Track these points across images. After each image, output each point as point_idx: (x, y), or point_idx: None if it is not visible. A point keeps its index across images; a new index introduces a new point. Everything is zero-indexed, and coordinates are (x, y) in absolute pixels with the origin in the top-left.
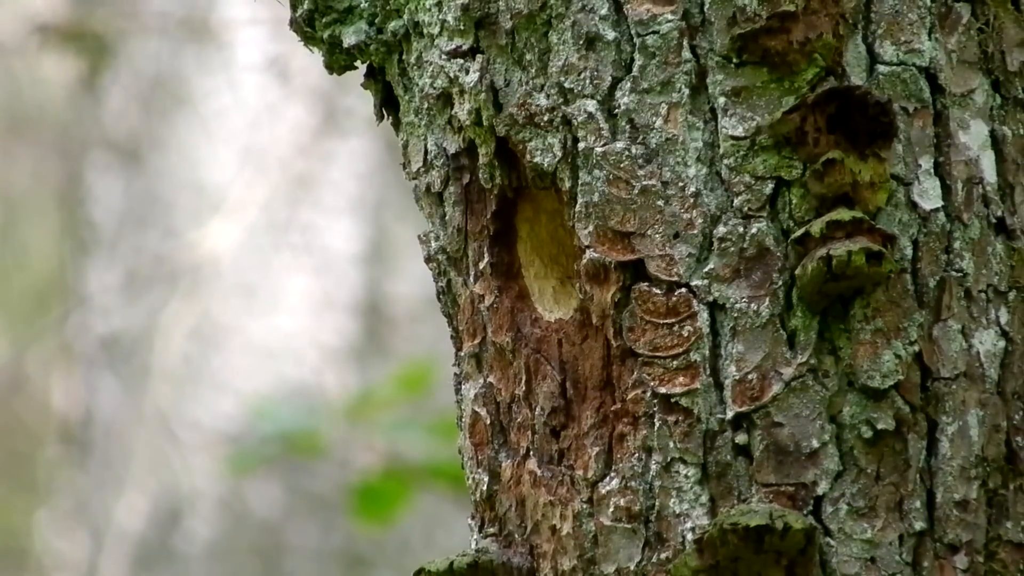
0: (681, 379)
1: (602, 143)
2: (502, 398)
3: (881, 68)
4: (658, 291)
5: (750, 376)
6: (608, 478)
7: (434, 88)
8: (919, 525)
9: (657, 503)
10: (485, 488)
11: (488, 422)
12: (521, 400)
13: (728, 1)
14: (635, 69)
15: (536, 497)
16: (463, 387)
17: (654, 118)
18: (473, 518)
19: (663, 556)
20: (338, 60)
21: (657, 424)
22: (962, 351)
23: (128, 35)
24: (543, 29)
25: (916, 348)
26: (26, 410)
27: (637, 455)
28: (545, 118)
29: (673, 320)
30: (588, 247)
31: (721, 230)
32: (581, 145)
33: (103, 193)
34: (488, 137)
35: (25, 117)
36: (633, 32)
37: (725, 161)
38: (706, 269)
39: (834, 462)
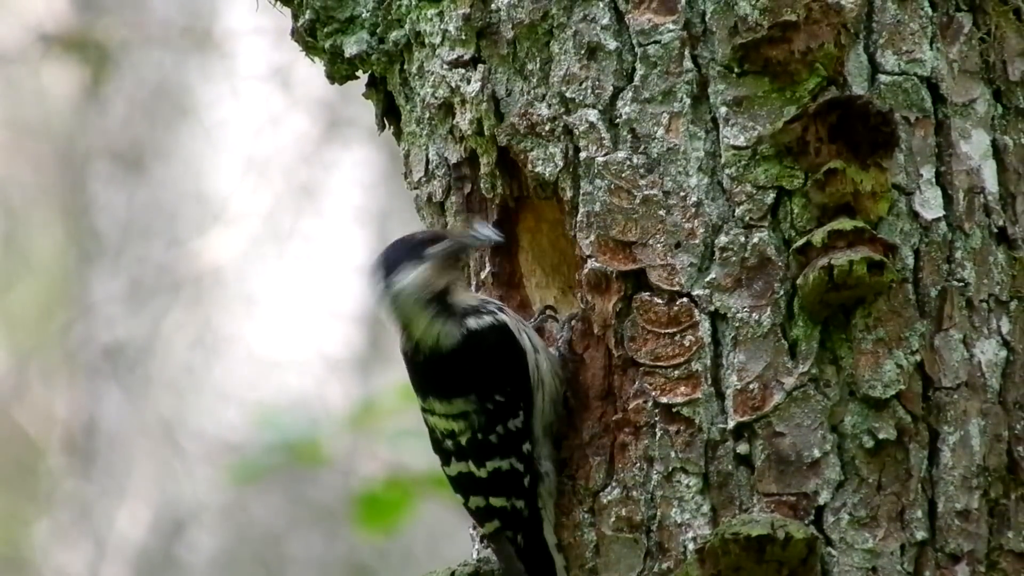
0: (682, 388)
1: (604, 152)
2: None
3: (883, 78)
4: (660, 300)
5: (751, 385)
6: (609, 488)
7: (436, 98)
8: (921, 535)
9: (658, 513)
10: None
11: None
12: None
13: (730, 11)
14: (636, 79)
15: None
16: None
17: (655, 128)
18: (475, 528)
19: (664, 566)
20: (340, 70)
21: (658, 434)
22: (963, 361)
23: (131, 45)
24: (545, 39)
25: (918, 358)
26: (29, 419)
27: (639, 465)
28: (547, 128)
29: (675, 330)
30: (589, 256)
31: (723, 240)
32: (583, 155)
33: (106, 202)
34: (490, 146)
35: (28, 127)
36: (635, 41)
37: (727, 171)
38: (708, 279)
39: (835, 472)
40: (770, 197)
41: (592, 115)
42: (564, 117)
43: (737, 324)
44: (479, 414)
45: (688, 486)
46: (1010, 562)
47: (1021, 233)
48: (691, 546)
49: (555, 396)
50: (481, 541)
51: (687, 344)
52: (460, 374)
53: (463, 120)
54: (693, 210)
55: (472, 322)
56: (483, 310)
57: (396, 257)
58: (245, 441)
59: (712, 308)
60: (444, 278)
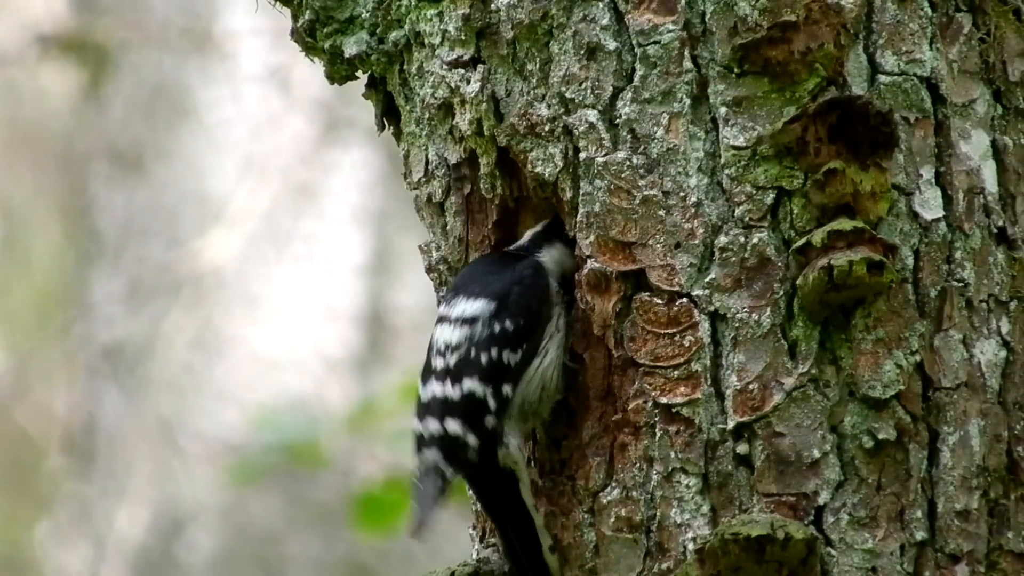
0: (682, 389)
1: (603, 153)
2: None
3: (882, 78)
4: (659, 301)
5: (751, 386)
6: (609, 488)
7: (435, 98)
8: (920, 535)
9: (658, 513)
10: None
11: None
12: None
13: (729, 11)
14: (636, 79)
15: (537, 507)
16: None
17: (655, 128)
18: (475, 528)
19: (664, 566)
20: (339, 70)
21: (658, 434)
22: (963, 361)
23: (130, 45)
24: (544, 39)
25: (917, 358)
26: (29, 419)
27: (638, 465)
28: (546, 128)
29: (674, 330)
30: (589, 256)
31: (722, 240)
32: (582, 155)
33: (106, 203)
34: (489, 147)
35: (28, 127)
36: (634, 42)
37: (726, 171)
38: (707, 279)
39: (835, 472)
40: (770, 197)
41: (592, 115)
42: (564, 117)
43: (737, 324)
44: (486, 326)
45: (688, 486)
46: (1010, 562)
47: (1021, 233)
48: (691, 546)
49: (547, 382)
50: (481, 541)
51: (687, 344)
52: (499, 277)
53: (463, 120)
54: (693, 210)
55: (542, 257)
56: (550, 269)
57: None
58: (244, 442)
59: (712, 308)
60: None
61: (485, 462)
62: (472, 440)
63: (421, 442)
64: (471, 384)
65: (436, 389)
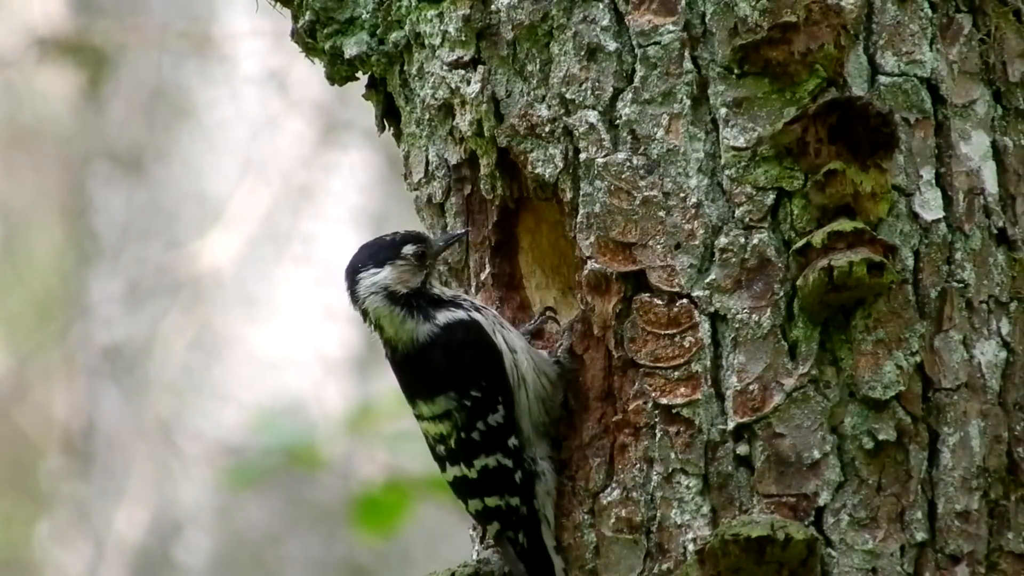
0: (682, 390)
1: (603, 154)
2: None
3: (882, 79)
4: (659, 302)
5: (751, 387)
6: (609, 489)
7: (435, 99)
8: (920, 536)
9: (658, 514)
10: None
11: None
12: None
13: (729, 12)
14: (636, 80)
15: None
16: None
17: (655, 129)
18: (475, 529)
19: (664, 567)
20: (339, 71)
21: (658, 435)
22: (963, 362)
23: (129, 47)
24: (544, 40)
25: (917, 359)
26: (28, 420)
27: (638, 466)
28: (546, 129)
29: (674, 331)
30: (589, 257)
31: (722, 241)
32: (582, 156)
33: (105, 204)
34: (489, 148)
35: (27, 129)
36: (635, 43)
37: (726, 172)
38: (707, 280)
39: (835, 473)
40: (770, 198)
41: (592, 116)
42: (564, 118)
43: (737, 325)
44: (460, 411)
45: (688, 487)
46: (1010, 563)
47: (1021, 234)
48: (691, 547)
49: (543, 395)
50: (481, 542)
51: (687, 345)
52: (435, 370)
53: (463, 121)
54: (693, 211)
55: (442, 317)
56: (456, 304)
57: (362, 260)
58: (243, 443)
59: (712, 309)
60: (413, 279)
61: (529, 508)
62: (516, 502)
63: (478, 517)
64: (481, 461)
65: (455, 472)
